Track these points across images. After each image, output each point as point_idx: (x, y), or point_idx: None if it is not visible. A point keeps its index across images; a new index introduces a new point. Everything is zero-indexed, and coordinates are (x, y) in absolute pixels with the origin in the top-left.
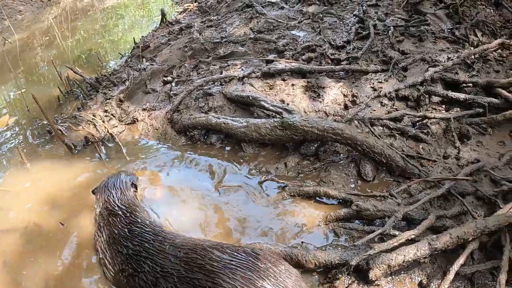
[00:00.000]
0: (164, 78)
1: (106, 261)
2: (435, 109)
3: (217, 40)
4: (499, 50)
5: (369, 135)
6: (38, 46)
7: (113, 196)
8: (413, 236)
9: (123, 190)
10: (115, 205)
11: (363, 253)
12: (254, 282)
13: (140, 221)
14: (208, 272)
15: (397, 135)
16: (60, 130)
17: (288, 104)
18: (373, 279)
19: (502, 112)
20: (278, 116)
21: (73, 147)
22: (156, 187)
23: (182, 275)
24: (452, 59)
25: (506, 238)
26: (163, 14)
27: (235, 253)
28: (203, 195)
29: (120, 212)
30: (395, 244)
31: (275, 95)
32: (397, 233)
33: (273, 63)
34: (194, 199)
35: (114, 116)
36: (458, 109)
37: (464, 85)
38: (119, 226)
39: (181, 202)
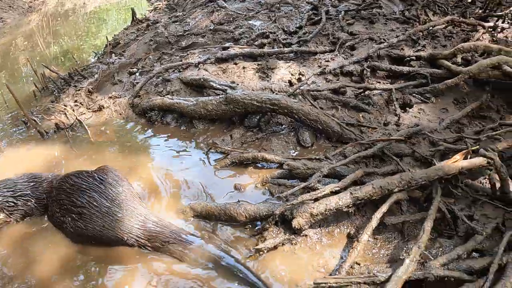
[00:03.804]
0: (130, 70)
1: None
2: (379, 82)
3: (180, 33)
4: (450, 27)
5: (305, 103)
6: (20, 51)
7: None
8: (337, 189)
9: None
10: None
11: (288, 203)
12: (96, 199)
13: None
14: (67, 193)
15: (339, 107)
16: (34, 120)
17: (238, 84)
18: (296, 227)
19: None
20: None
21: (44, 133)
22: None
23: (55, 198)
24: (398, 36)
25: (438, 191)
26: (134, 13)
27: (86, 178)
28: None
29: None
30: (319, 195)
31: (227, 77)
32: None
33: (228, 49)
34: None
35: (83, 105)
36: (402, 81)
37: (409, 59)
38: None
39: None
